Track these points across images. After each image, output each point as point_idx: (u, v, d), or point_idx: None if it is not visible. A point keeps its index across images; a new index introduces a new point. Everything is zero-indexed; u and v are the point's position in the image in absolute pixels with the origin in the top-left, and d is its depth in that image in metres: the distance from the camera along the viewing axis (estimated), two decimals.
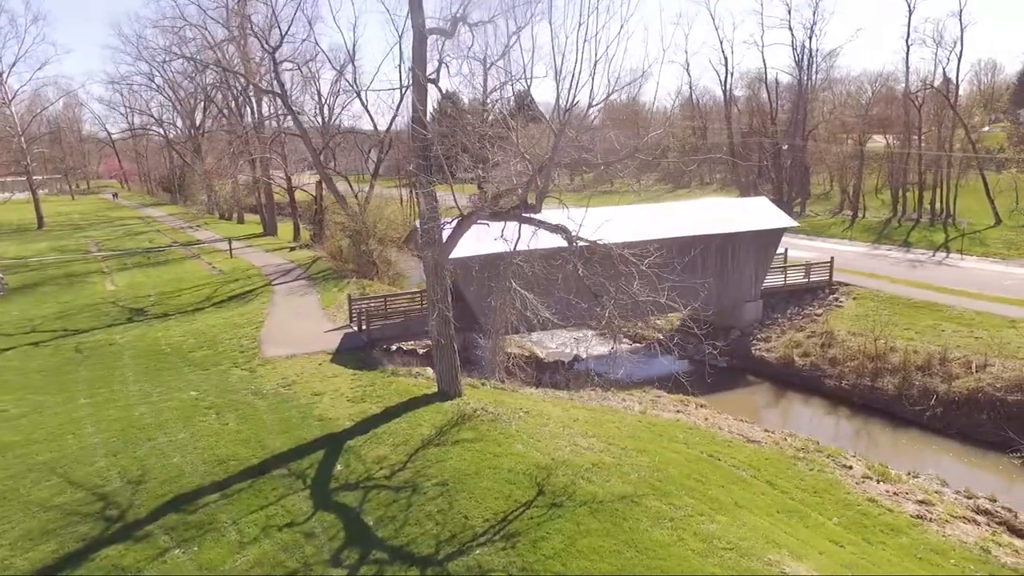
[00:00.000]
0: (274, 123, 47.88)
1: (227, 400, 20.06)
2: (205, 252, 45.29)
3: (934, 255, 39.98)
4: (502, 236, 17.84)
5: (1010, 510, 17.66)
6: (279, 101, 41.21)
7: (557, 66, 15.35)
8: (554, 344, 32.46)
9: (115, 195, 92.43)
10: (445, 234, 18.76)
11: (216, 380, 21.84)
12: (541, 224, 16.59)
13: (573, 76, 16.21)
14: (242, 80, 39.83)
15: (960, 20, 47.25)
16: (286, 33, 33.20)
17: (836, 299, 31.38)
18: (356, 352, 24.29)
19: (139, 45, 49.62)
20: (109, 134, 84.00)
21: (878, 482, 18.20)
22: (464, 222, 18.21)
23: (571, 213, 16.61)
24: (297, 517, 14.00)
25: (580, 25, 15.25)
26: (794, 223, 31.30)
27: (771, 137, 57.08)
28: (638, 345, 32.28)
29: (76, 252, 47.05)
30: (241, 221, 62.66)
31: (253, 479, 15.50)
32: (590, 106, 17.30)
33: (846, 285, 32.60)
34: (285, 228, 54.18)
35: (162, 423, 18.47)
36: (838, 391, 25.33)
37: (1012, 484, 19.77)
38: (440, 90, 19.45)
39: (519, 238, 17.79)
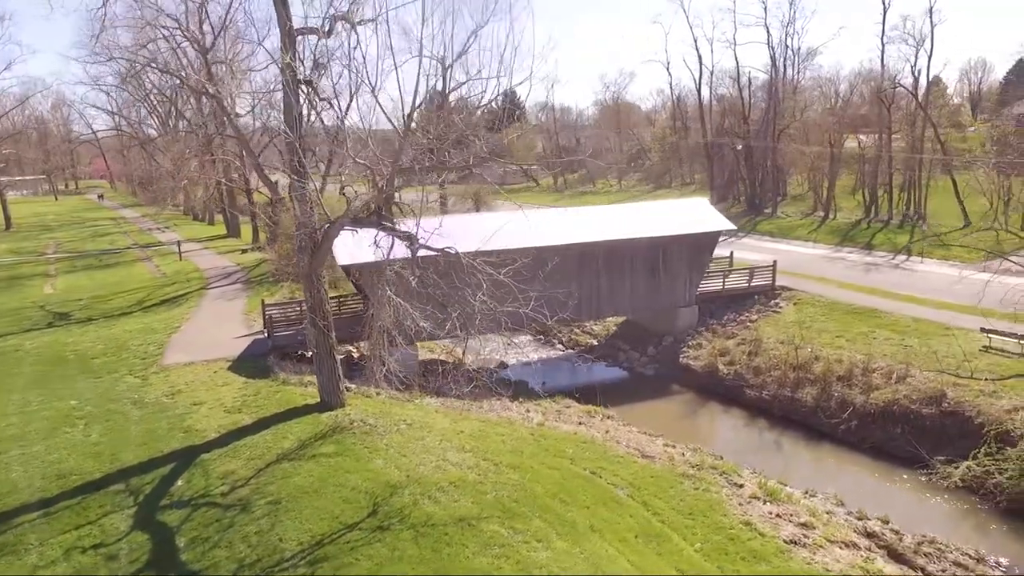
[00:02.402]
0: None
1: (104, 410, 19.50)
2: (159, 254, 44.93)
3: (894, 258, 38.86)
4: (375, 243, 17.19)
5: (897, 532, 16.80)
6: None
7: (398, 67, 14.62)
8: (487, 350, 31.68)
9: (100, 196, 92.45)
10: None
11: (104, 388, 21.27)
12: (392, 231, 15.89)
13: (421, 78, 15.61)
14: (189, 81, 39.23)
15: (931, 18, 46.07)
16: (219, 33, 32.79)
17: (776, 304, 30.41)
18: (258, 359, 23.66)
19: (108, 45, 49.16)
20: (95, 133, 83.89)
21: (764, 502, 17.34)
22: (331, 228, 17.54)
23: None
24: (108, 538, 13.37)
25: (424, 21, 14.58)
26: (731, 226, 30.32)
27: (743, 137, 55.98)
28: (571, 351, 31.50)
29: (32, 254, 46.87)
30: (212, 222, 62.37)
31: (85, 496, 14.90)
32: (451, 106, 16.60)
33: (789, 290, 31.60)
34: (249, 229, 53.71)
35: (25, 434, 17.92)
36: (759, 402, 24.42)
37: (915, 502, 18.84)
38: (316, 92, 18.69)
39: (392, 245, 17.14)
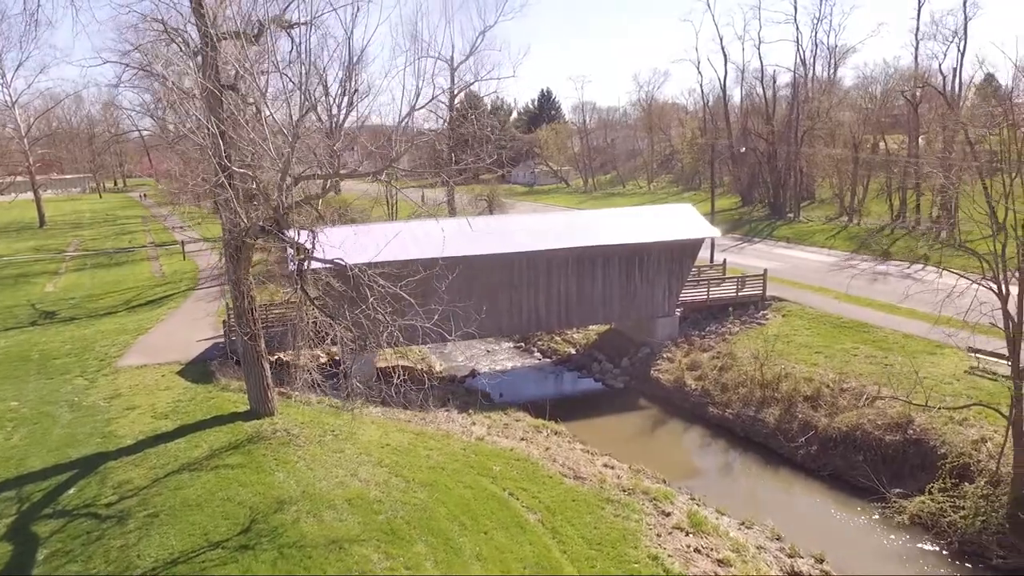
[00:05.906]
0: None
1: (37, 412, 19.66)
2: (169, 254, 45.76)
3: (909, 267, 36.55)
4: (294, 249, 16.81)
5: (828, 573, 15.46)
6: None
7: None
8: (462, 357, 31.08)
9: (143, 195, 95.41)
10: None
11: (49, 390, 21.47)
12: (284, 240, 15.42)
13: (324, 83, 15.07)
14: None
15: (964, 10, 43.29)
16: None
17: (763, 315, 28.87)
18: (209, 364, 23.59)
19: (130, 45, 50.39)
20: (139, 131, 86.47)
21: (687, 534, 16.21)
22: (246, 237, 17.21)
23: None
24: None
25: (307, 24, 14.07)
26: (715, 232, 28.85)
27: (766, 138, 53.80)
28: (548, 360, 30.59)
29: (53, 251, 48.38)
30: None
31: None
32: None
33: (780, 300, 29.98)
34: None
35: None
36: (722, 420, 23.11)
37: (863, 538, 17.37)
38: (242, 96, 18.37)
39: (312, 251, 16.72)
